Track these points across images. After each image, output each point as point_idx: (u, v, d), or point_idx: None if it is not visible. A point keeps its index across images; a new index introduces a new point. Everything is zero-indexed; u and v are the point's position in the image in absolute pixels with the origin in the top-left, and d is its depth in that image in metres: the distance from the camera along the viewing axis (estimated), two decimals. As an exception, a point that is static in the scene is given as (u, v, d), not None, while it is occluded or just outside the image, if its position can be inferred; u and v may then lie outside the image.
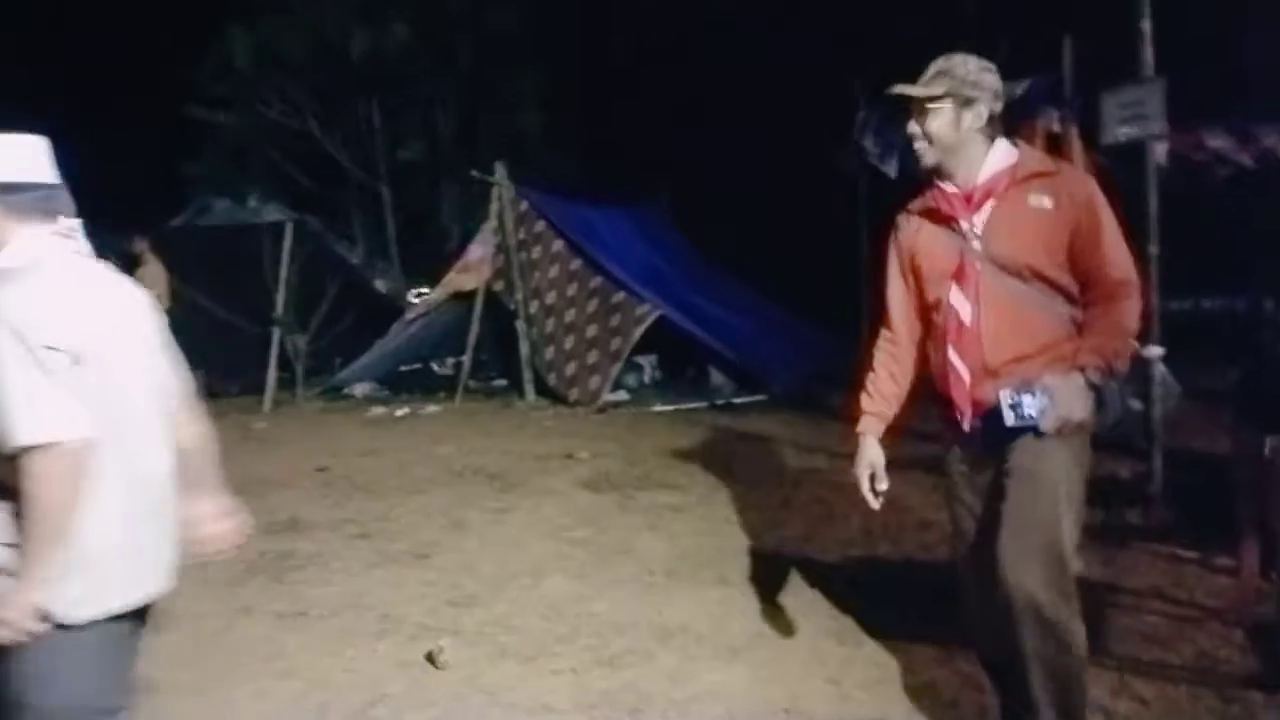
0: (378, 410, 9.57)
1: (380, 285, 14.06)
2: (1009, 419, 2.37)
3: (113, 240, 7.60)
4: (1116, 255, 2.43)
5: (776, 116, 13.65)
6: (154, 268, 10.14)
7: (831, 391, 8.86)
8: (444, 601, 4.19)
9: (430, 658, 3.55)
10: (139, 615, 2.13)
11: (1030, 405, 2.34)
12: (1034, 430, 2.36)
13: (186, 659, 3.60)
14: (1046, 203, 2.44)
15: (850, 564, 4.58)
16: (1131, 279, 2.44)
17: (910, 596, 3.98)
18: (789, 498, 5.78)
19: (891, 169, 8.14)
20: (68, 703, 1.94)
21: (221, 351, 10.41)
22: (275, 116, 15.37)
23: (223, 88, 15.08)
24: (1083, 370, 2.33)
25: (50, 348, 1.82)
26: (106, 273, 2.11)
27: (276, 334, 9.93)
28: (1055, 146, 6.29)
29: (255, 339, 10.09)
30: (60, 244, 2.01)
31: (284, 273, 9.83)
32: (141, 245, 10.14)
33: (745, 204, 13.81)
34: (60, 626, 1.87)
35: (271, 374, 9.59)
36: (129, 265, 10.26)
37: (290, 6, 14.94)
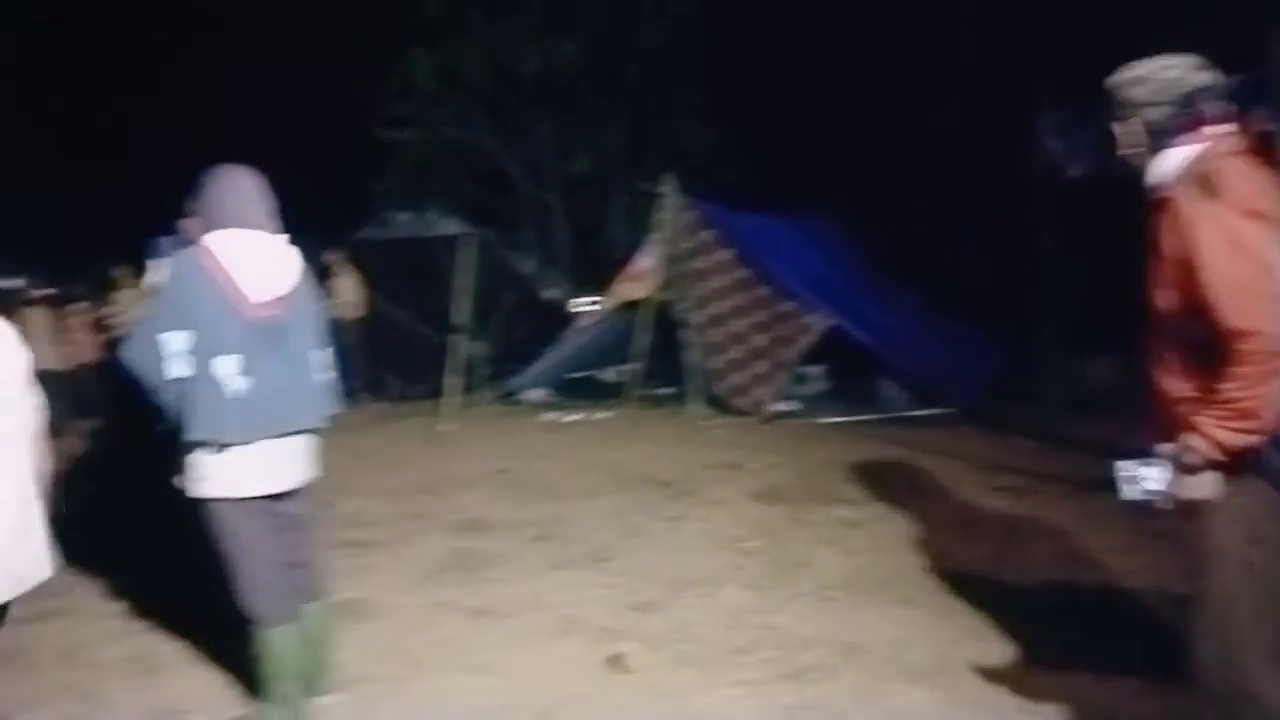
0: (550, 416, 9.84)
1: (551, 295, 14.46)
2: None
3: (311, 253, 8.19)
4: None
5: (949, 120, 13.20)
6: (346, 278, 10.81)
7: (1014, 406, 8.49)
8: (624, 606, 4.25)
9: (615, 661, 3.62)
10: None
11: None
12: None
13: (386, 650, 3.81)
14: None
15: (1044, 589, 4.34)
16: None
17: (1111, 626, 3.75)
18: (973, 517, 5.55)
19: (1077, 169, 7.73)
20: None
21: (406, 358, 10.99)
22: (453, 134, 16.15)
23: (405, 108, 15.97)
24: None
25: None
26: None
27: (457, 342, 10.38)
28: (1267, 146, 5.79)
29: (437, 346, 10.57)
30: None
31: (463, 283, 10.26)
32: (333, 257, 10.85)
33: (917, 211, 13.42)
34: None
35: (453, 380, 10.02)
36: (322, 275, 11.03)
37: (469, 29, 15.68)
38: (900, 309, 10.44)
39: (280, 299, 3.06)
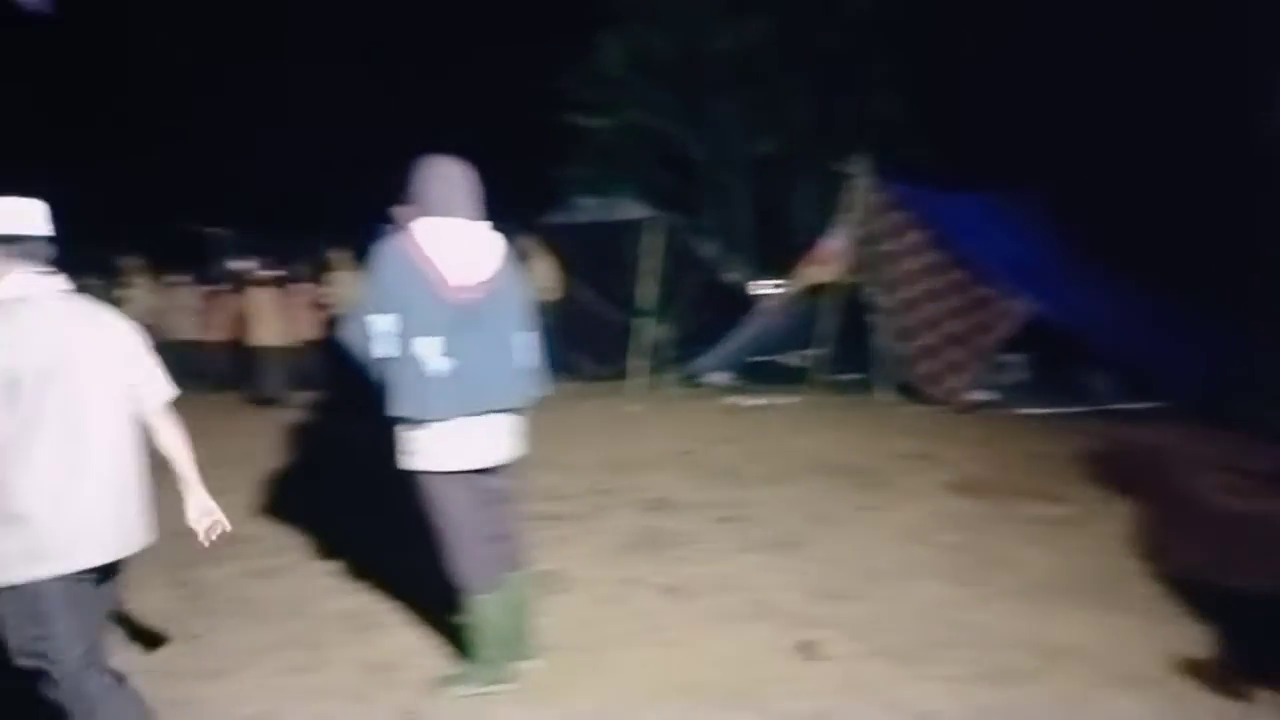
0: (732, 399, 9.83)
1: (733, 278, 14.43)
2: None
3: (510, 237, 8.52)
4: None
5: (1165, 89, 12.13)
6: (541, 262, 11.17)
7: (1240, 399, 7.76)
8: (814, 593, 4.20)
9: (807, 647, 3.58)
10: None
11: None
12: None
13: (581, 621, 3.93)
14: None
15: (1273, 597, 3.96)
16: None
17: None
18: (1193, 518, 5.12)
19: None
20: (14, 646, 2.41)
21: (595, 339, 11.26)
22: (639, 118, 16.33)
23: (592, 93, 16.29)
24: None
25: None
26: (81, 303, 2.58)
27: (642, 325, 10.54)
28: None
29: (623, 329, 10.77)
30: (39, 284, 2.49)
31: (648, 267, 10.39)
32: (528, 241, 11.24)
33: (1132, 190, 12.43)
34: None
35: (639, 362, 10.18)
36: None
37: (658, 10, 15.79)
38: (1112, 294, 9.72)
39: (481, 283, 3.19)
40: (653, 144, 16.71)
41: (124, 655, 3.68)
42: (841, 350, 10.42)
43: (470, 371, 3.12)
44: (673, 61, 16.03)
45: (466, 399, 3.13)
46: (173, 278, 11.79)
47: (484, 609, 3.25)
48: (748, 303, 11.91)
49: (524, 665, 3.40)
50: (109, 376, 2.52)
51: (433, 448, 3.15)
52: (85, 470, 2.43)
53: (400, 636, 3.86)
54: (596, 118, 16.41)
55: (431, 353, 3.08)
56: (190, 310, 11.62)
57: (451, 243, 3.17)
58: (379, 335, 3.09)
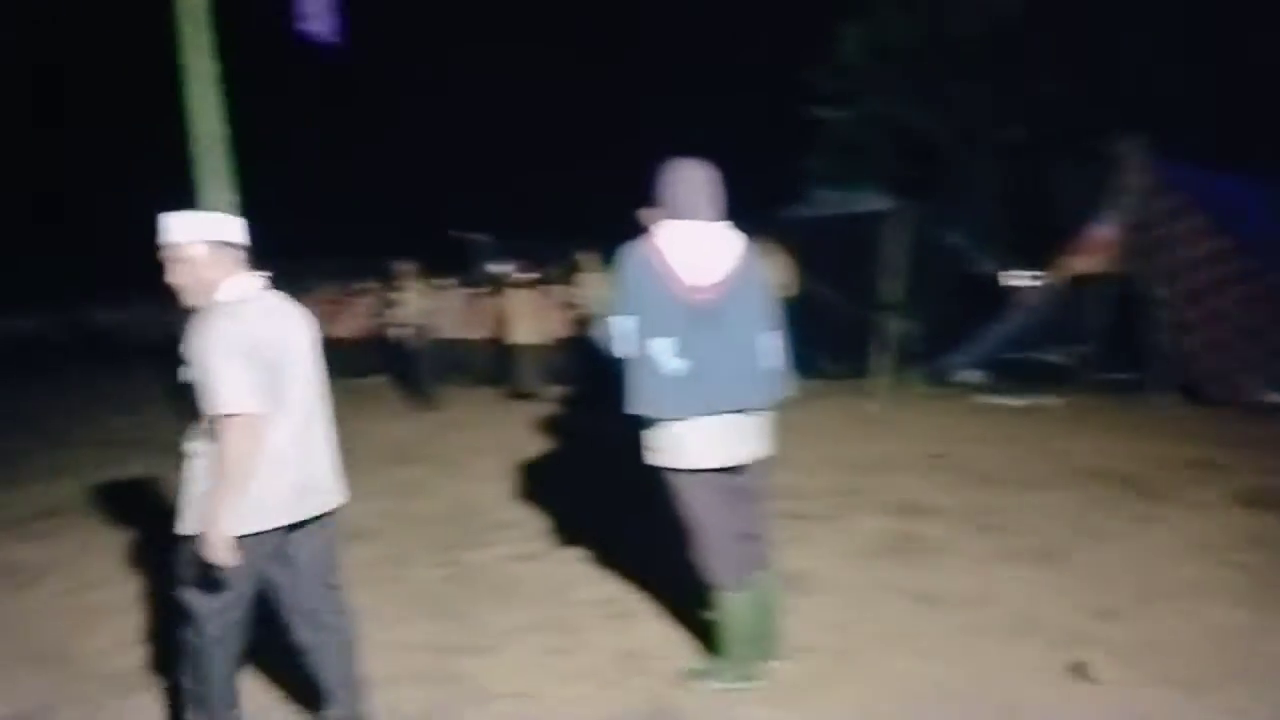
0: (985, 398, 9.34)
1: (983, 269, 13.69)
2: None
3: (750, 234, 8.53)
4: None
5: None
6: (777, 257, 11.11)
7: None
8: (1084, 610, 3.91)
9: (1078, 669, 3.34)
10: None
11: None
12: None
13: (831, 624, 3.88)
14: None
15: None
16: None
17: None
18: None
19: None
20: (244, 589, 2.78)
21: (835, 335, 11.06)
22: (881, 107, 15.86)
23: (832, 85, 15.99)
24: None
25: (250, 352, 2.64)
26: (282, 301, 2.87)
27: (886, 320, 10.23)
28: None
29: (865, 324, 10.51)
30: (256, 283, 2.82)
31: (892, 259, 10.07)
32: (762, 238, 11.22)
33: None
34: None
35: (882, 358, 9.90)
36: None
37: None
38: None
39: (718, 284, 3.21)
40: (894, 133, 16.19)
41: (401, 629, 4.04)
42: (1110, 347, 9.62)
43: (707, 372, 3.16)
44: (915, 48, 15.43)
45: (703, 399, 3.17)
46: (440, 281, 12.78)
47: (733, 606, 3.29)
48: (1000, 295, 11.27)
49: (773, 665, 3.41)
50: (311, 357, 2.91)
51: (675, 445, 3.21)
52: (316, 436, 2.87)
53: (651, 626, 3.97)
54: (837, 109, 16.12)
55: (667, 353, 3.15)
56: (455, 310, 12.55)
57: (691, 244, 3.23)
58: (620, 335, 3.21)
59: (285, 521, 2.75)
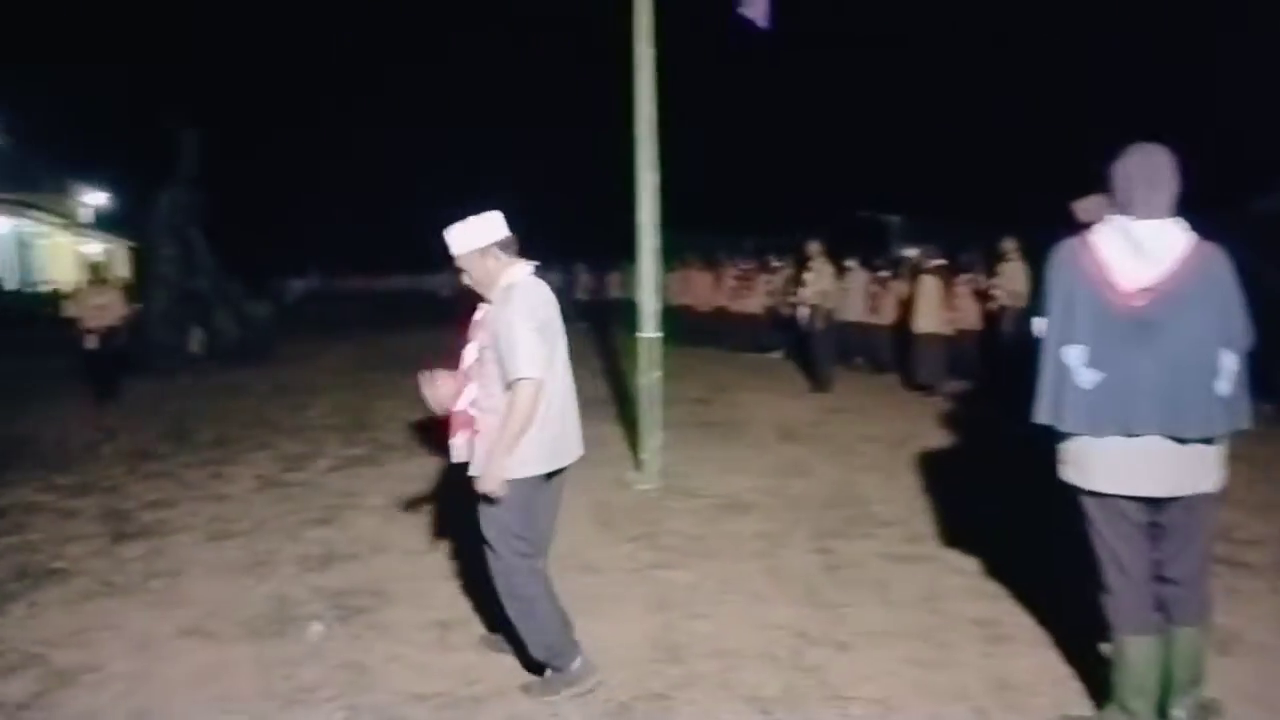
0: None
1: None
2: None
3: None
4: None
5: None
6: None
7: None
8: None
9: None
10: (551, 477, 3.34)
11: None
12: None
13: (1252, 695, 3.26)
14: None
15: None
16: None
17: None
18: None
19: None
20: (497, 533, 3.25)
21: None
22: None
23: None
24: None
25: (539, 325, 3.17)
26: (544, 284, 3.37)
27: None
28: None
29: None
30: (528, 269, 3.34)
31: None
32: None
33: None
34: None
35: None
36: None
37: None
38: None
39: (1157, 290, 2.76)
40: None
41: (764, 608, 4.06)
42: None
43: (1127, 387, 2.77)
44: None
45: (1117, 417, 2.79)
46: (848, 261, 12.64)
47: (1129, 651, 2.89)
48: None
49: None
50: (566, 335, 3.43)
51: (1085, 463, 2.87)
52: (571, 397, 3.38)
53: (1034, 657, 3.61)
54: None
55: (1078, 362, 2.83)
56: (859, 293, 12.34)
57: (1130, 244, 2.82)
58: (1038, 337, 2.95)
59: (545, 470, 3.24)
